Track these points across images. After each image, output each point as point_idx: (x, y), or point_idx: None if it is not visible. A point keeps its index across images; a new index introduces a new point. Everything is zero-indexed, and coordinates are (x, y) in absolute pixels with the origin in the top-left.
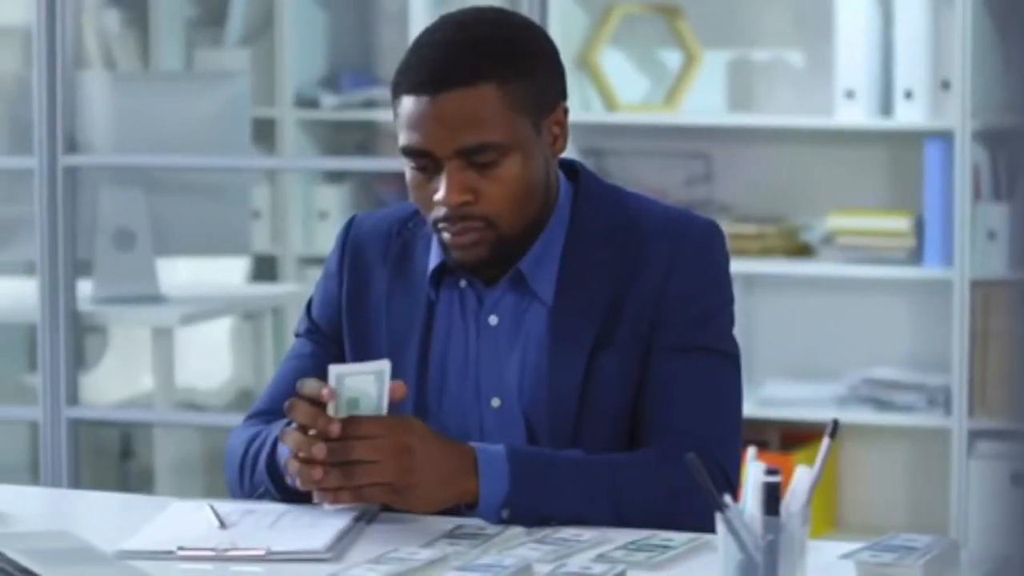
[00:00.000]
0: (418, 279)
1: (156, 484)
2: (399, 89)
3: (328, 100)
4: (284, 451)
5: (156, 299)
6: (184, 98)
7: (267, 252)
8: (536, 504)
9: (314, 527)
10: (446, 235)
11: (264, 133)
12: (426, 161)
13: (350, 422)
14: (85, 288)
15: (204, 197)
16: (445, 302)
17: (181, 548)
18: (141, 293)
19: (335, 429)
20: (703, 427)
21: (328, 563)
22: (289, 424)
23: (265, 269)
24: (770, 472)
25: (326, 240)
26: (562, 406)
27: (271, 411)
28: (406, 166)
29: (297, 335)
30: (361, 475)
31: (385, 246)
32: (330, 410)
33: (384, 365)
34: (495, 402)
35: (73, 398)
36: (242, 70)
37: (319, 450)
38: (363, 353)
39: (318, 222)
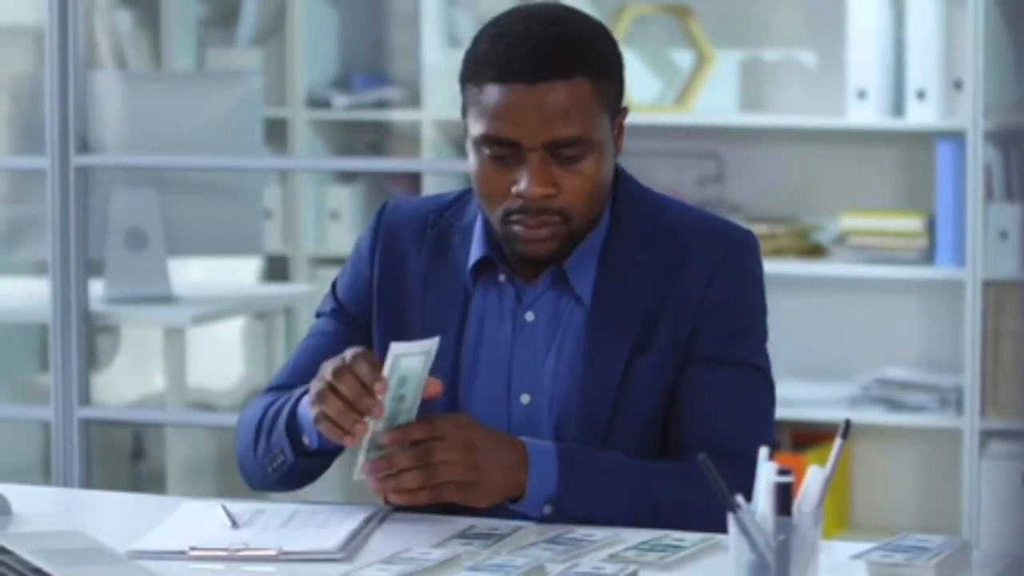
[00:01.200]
0: (455, 271)
1: (168, 484)
2: (482, 77)
3: (340, 100)
4: (305, 413)
5: (168, 299)
6: (196, 98)
7: (279, 252)
8: (579, 503)
9: (326, 527)
10: (518, 227)
11: (276, 133)
12: (508, 151)
13: (423, 424)
14: (97, 288)
15: (216, 197)
16: (481, 296)
17: (193, 548)
18: (153, 293)
19: (418, 434)
20: (737, 443)
21: (340, 563)
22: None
23: (277, 269)
24: (782, 472)
25: (338, 240)
26: (595, 407)
27: (289, 386)
28: (477, 154)
29: (319, 315)
30: (435, 475)
31: (421, 234)
32: (378, 391)
33: (434, 344)
34: (524, 398)
35: (85, 398)
36: (254, 70)
37: (405, 459)
38: (394, 338)
39: (330, 222)
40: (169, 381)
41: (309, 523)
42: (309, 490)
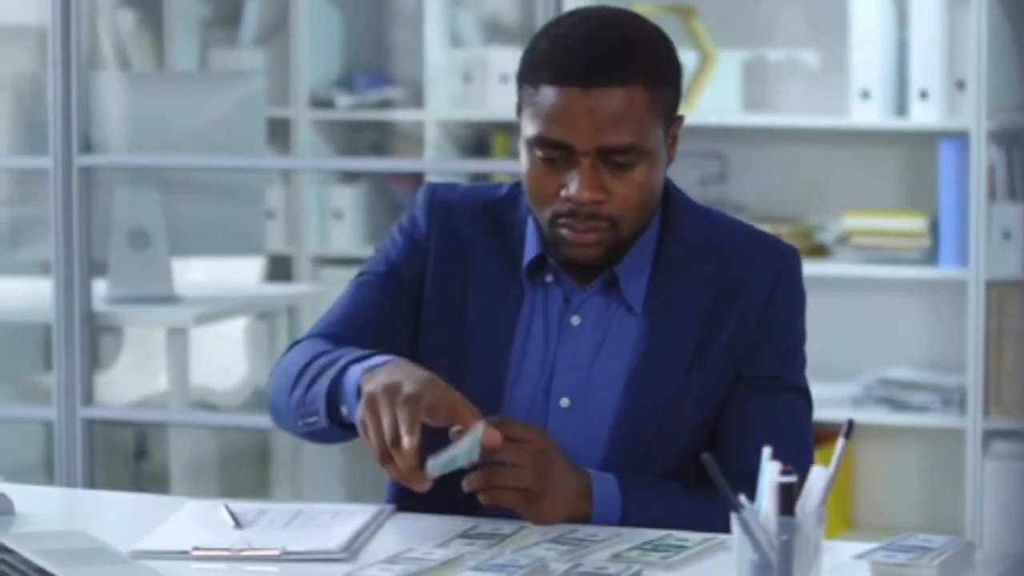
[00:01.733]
0: (509, 266)
1: (171, 484)
2: (538, 78)
3: (343, 100)
4: (351, 384)
5: (171, 299)
6: (199, 98)
7: (282, 252)
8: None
9: (329, 527)
10: (565, 231)
11: (279, 133)
12: (559, 154)
13: (502, 423)
14: (100, 288)
15: (219, 197)
16: (531, 293)
17: (196, 548)
18: (156, 293)
19: (497, 438)
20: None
21: (343, 563)
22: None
23: (280, 269)
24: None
25: (341, 240)
26: (644, 417)
27: (339, 337)
28: (528, 154)
29: (363, 275)
30: (504, 477)
31: (478, 222)
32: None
33: (479, 430)
34: (564, 402)
35: (88, 398)
36: (257, 70)
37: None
38: (443, 324)
39: (333, 222)
40: (172, 381)
41: (312, 523)
42: (312, 490)
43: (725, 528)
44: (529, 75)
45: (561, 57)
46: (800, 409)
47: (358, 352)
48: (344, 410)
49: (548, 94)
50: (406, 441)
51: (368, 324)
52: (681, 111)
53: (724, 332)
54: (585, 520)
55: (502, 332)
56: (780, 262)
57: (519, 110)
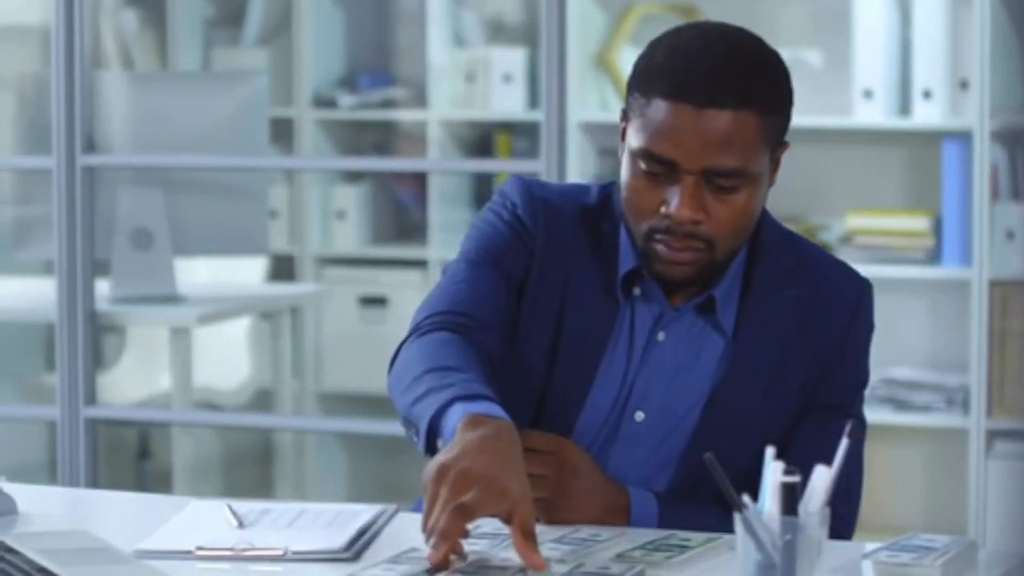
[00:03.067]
0: (606, 279)
1: (174, 484)
2: (652, 89)
3: (345, 100)
4: (451, 426)
5: (174, 299)
6: (202, 98)
7: (285, 252)
8: None
9: (332, 527)
10: (661, 247)
11: (282, 133)
12: (663, 169)
13: (525, 436)
14: (103, 288)
15: (222, 197)
16: (622, 310)
17: (199, 548)
18: (159, 293)
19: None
20: (840, 504)
21: (346, 563)
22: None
23: (283, 269)
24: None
25: (344, 240)
26: (721, 439)
27: (468, 316)
28: (631, 165)
29: (468, 259)
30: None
31: (579, 231)
32: None
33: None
34: (639, 415)
35: (91, 398)
36: (259, 70)
37: None
38: (538, 328)
39: (336, 222)
40: (175, 381)
41: (315, 523)
42: (314, 490)
43: None
44: (642, 85)
45: (678, 71)
46: (859, 438)
47: (468, 384)
48: (440, 444)
49: (660, 107)
50: (439, 550)
51: (495, 309)
52: None
53: (803, 359)
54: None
55: (593, 346)
56: (856, 294)
57: (625, 116)
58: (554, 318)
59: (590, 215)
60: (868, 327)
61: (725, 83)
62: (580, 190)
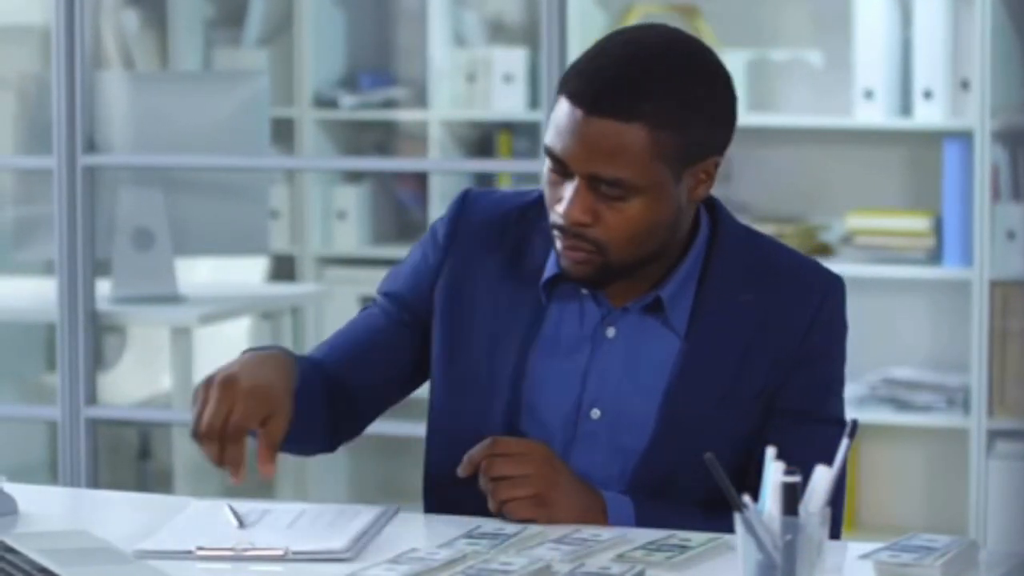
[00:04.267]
0: (530, 275)
1: (174, 484)
2: (562, 87)
3: (346, 100)
4: None
5: (175, 299)
6: (202, 98)
7: (286, 252)
8: None
9: (333, 527)
10: (558, 243)
11: (282, 133)
12: (560, 167)
13: (496, 443)
14: (104, 288)
15: (223, 197)
16: (560, 304)
17: (200, 548)
18: (160, 293)
19: (482, 455)
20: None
21: (347, 563)
22: None
23: (284, 269)
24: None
25: (345, 240)
26: (679, 439)
27: (322, 361)
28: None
29: (375, 298)
30: (507, 489)
31: (500, 232)
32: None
33: None
34: (595, 413)
35: (92, 398)
36: (260, 70)
37: (464, 469)
38: (457, 338)
39: (336, 222)
40: (176, 381)
41: (316, 523)
42: (315, 490)
43: None
44: (561, 81)
45: (582, 75)
46: (832, 440)
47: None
48: None
49: (560, 107)
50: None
51: (358, 347)
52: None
53: (761, 363)
54: None
55: (514, 342)
56: (821, 294)
57: None
58: (469, 320)
59: (524, 213)
60: (836, 327)
61: (616, 94)
62: (523, 192)
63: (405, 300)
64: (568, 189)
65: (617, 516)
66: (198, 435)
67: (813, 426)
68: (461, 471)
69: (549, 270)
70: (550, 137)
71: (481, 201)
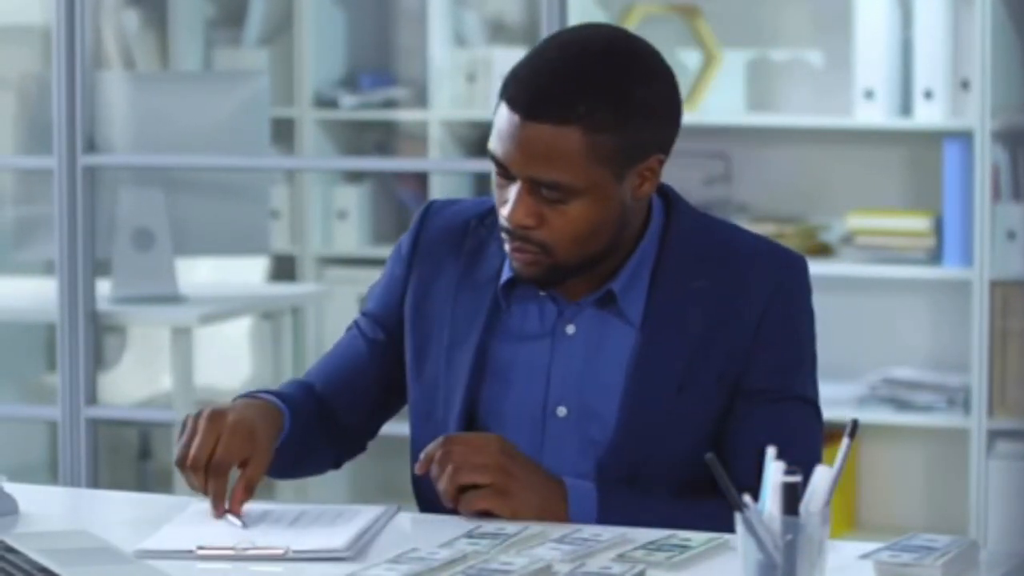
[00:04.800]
0: (487, 278)
1: (175, 484)
2: (502, 92)
3: (347, 100)
4: None
5: (175, 299)
6: (203, 98)
7: (286, 252)
8: None
9: (333, 526)
10: (507, 246)
11: (283, 133)
12: (503, 170)
13: (450, 440)
14: (104, 288)
15: (223, 197)
16: (519, 306)
17: (200, 547)
18: (160, 293)
19: (436, 448)
20: None
21: (348, 562)
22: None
23: (284, 269)
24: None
25: (345, 240)
26: (643, 429)
27: (314, 386)
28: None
29: (357, 318)
30: (465, 474)
31: (460, 239)
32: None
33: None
34: (561, 411)
35: (92, 398)
36: (261, 70)
37: (419, 466)
38: (424, 348)
39: (337, 222)
40: (176, 381)
41: (316, 522)
42: (315, 490)
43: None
44: (502, 85)
45: (519, 79)
46: (803, 418)
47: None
48: None
49: (500, 112)
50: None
51: (343, 374)
52: (685, 111)
53: (718, 347)
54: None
55: (471, 343)
56: (779, 273)
57: None
58: (434, 329)
59: (482, 219)
60: (794, 305)
61: (549, 98)
62: (483, 200)
63: (379, 318)
64: (511, 192)
65: (579, 503)
66: (183, 466)
67: (779, 405)
68: (418, 468)
69: (506, 273)
70: (492, 141)
71: (443, 212)
